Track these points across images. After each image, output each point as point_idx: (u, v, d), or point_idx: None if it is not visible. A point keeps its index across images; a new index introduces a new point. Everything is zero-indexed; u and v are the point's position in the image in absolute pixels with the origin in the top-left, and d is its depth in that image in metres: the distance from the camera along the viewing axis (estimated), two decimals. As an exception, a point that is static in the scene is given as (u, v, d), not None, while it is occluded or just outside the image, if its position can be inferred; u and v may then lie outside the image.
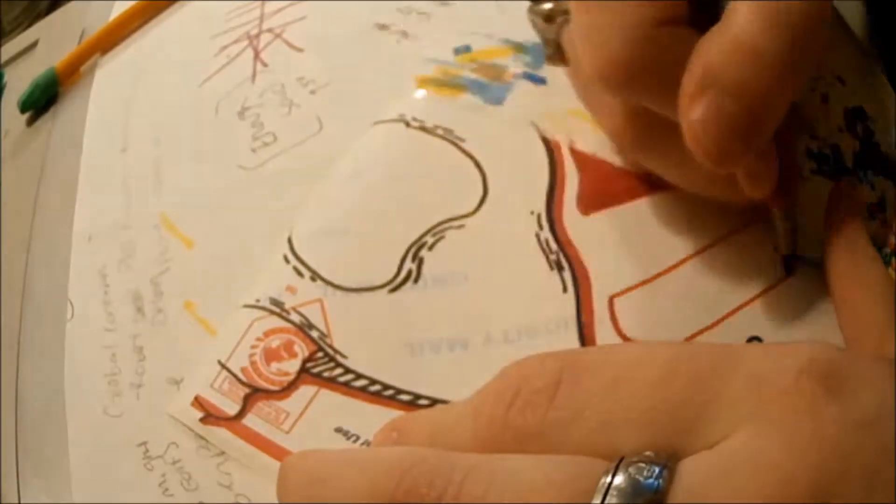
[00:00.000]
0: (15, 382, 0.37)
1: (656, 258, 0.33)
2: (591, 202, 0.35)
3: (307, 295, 0.35)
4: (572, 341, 0.32)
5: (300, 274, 0.35)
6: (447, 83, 0.40)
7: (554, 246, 0.34)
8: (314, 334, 0.34)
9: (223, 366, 0.34)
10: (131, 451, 0.33)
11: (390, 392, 0.33)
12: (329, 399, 0.33)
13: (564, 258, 0.34)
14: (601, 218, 0.35)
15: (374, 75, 0.41)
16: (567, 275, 0.34)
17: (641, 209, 0.34)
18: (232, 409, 0.33)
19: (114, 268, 0.38)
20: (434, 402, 0.32)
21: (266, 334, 0.34)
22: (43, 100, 0.46)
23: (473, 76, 0.40)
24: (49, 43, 0.50)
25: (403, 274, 0.35)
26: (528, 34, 0.41)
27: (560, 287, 0.34)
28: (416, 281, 0.35)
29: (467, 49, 0.41)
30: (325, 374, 0.33)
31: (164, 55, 0.46)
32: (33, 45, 0.50)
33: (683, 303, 0.32)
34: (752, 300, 0.32)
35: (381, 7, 0.44)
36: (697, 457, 0.22)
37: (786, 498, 0.20)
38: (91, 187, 0.41)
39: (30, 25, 0.55)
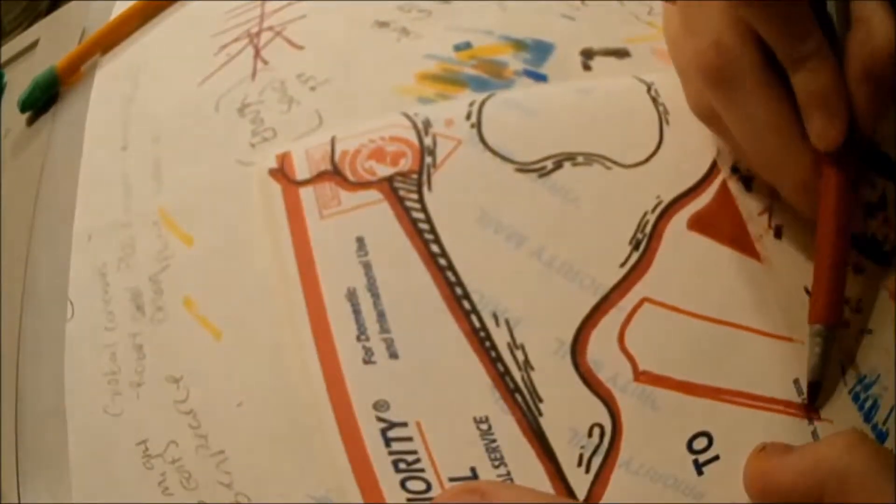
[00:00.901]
0: (15, 382, 0.37)
1: (705, 302, 0.34)
2: (700, 223, 0.36)
3: (456, 132, 0.37)
4: (589, 301, 0.34)
5: (468, 116, 0.38)
6: (447, 79, 0.40)
7: (648, 229, 0.35)
8: (427, 160, 0.36)
9: (333, 140, 0.37)
10: (131, 450, 0.33)
11: (437, 249, 0.35)
12: (381, 213, 0.36)
13: (646, 243, 0.35)
14: (694, 238, 0.35)
15: (374, 71, 0.41)
16: (635, 256, 0.35)
17: (728, 258, 0.35)
18: (303, 174, 0.37)
19: (113, 266, 0.38)
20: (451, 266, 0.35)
21: (391, 139, 0.37)
22: (43, 99, 0.46)
23: (474, 72, 0.40)
24: (49, 43, 0.50)
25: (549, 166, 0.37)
26: (529, 32, 0.41)
27: (624, 258, 0.35)
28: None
29: (468, 46, 0.41)
30: (401, 194, 0.36)
31: (164, 55, 0.46)
32: (33, 44, 0.50)
33: (692, 349, 0.33)
34: (750, 400, 0.33)
35: (381, 5, 0.44)
36: None
37: None
38: (91, 186, 0.41)
39: (30, 25, 0.55)
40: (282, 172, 0.37)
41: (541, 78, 0.40)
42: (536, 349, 0.33)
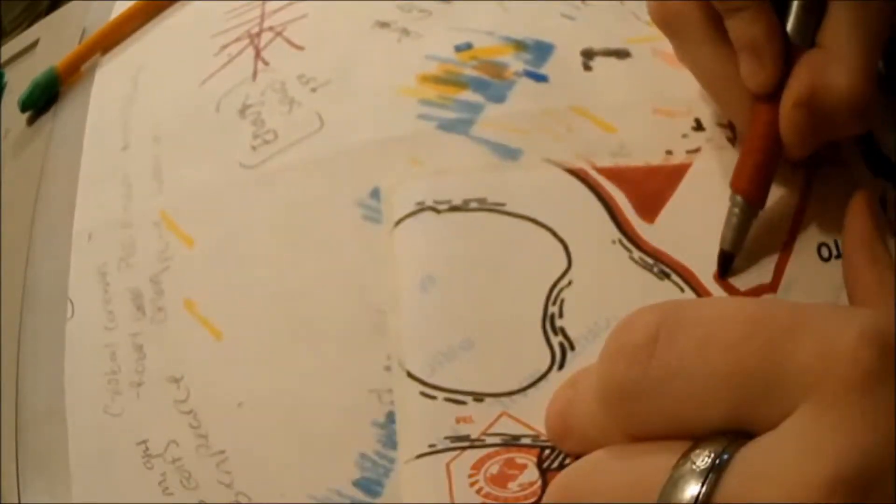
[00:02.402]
0: (15, 382, 0.37)
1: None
2: (648, 207, 0.35)
3: (487, 416, 0.32)
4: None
5: (459, 402, 0.32)
6: (448, 80, 0.40)
7: (650, 260, 0.35)
8: (526, 442, 0.31)
9: None
10: (131, 450, 0.33)
11: None
12: None
13: (664, 265, 0.34)
14: (664, 216, 0.35)
15: (375, 73, 0.41)
16: (676, 278, 0.34)
17: (685, 190, 0.35)
18: None
19: (114, 266, 0.38)
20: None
21: (474, 467, 0.31)
22: (43, 99, 0.46)
23: (475, 74, 0.40)
24: (49, 42, 0.50)
25: (557, 350, 0.33)
26: (529, 32, 0.41)
27: (678, 291, 0.34)
28: (572, 349, 0.33)
29: (468, 46, 0.41)
30: (568, 462, 0.30)
31: (164, 55, 0.46)
32: (33, 44, 0.50)
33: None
34: None
35: (382, 5, 0.43)
36: (753, 445, 0.25)
37: (829, 496, 0.22)
38: (91, 186, 0.41)
39: (30, 25, 0.55)
40: None
41: (541, 78, 0.40)
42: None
